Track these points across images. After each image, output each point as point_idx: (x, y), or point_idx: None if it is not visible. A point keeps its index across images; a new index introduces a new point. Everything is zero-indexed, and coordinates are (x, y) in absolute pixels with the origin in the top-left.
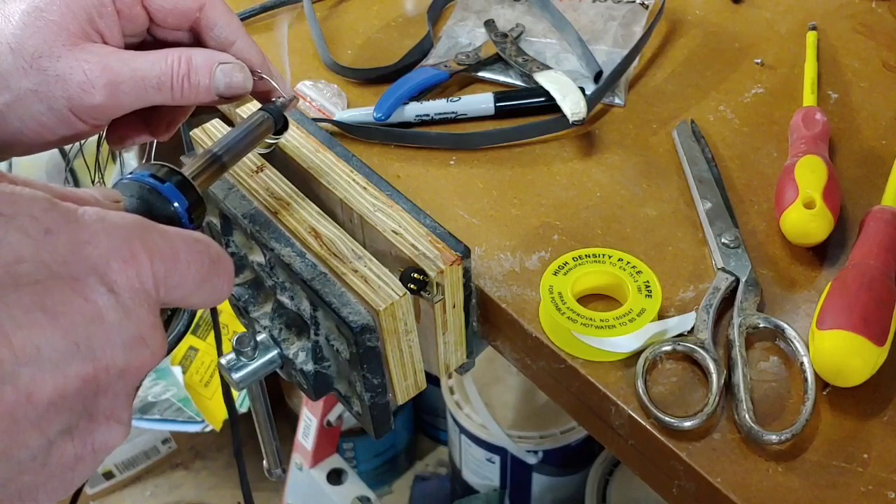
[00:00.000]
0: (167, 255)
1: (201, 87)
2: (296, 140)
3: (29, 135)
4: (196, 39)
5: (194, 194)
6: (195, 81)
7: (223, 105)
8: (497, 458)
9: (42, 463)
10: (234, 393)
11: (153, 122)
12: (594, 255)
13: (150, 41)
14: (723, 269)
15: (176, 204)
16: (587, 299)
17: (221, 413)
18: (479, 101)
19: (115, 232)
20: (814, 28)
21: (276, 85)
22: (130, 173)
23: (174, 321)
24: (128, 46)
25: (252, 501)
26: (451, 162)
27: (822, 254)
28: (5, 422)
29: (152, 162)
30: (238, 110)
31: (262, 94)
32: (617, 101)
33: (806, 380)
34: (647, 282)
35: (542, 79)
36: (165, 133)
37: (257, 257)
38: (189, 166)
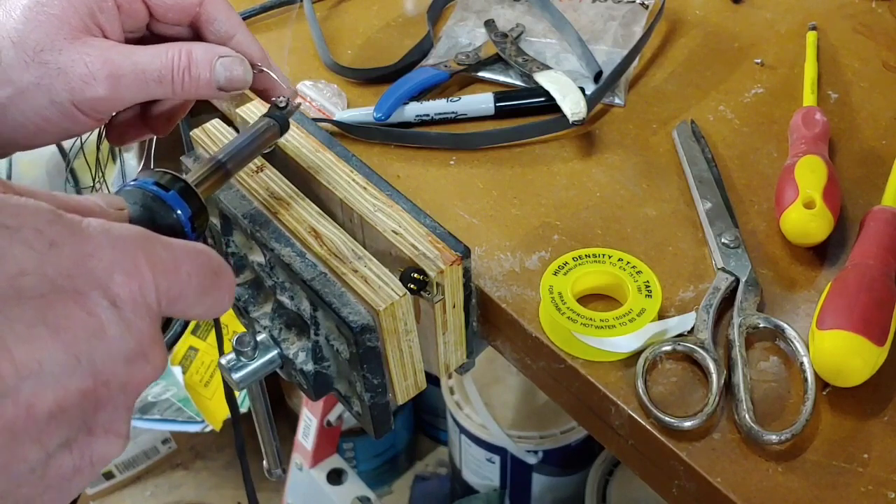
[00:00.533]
0: (170, 268)
1: (202, 80)
2: (296, 140)
3: (31, 129)
4: (196, 34)
5: (197, 202)
6: (196, 75)
7: (223, 101)
8: (497, 458)
9: (40, 475)
10: (236, 393)
11: (153, 118)
12: (594, 255)
13: (149, 37)
14: (723, 269)
15: (179, 212)
16: (587, 299)
17: (221, 413)
18: (479, 101)
19: (118, 245)
20: (814, 28)
21: (276, 78)
22: (134, 180)
23: (173, 321)
24: (128, 41)
25: (256, 501)
26: (451, 162)
27: (822, 254)
28: (5, 436)
29: (156, 169)
30: (238, 110)
31: (263, 89)
32: (617, 101)
33: (806, 380)
34: (647, 282)
35: (542, 79)
36: (165, 129)
37: (257, 257)
38: (193, 173)
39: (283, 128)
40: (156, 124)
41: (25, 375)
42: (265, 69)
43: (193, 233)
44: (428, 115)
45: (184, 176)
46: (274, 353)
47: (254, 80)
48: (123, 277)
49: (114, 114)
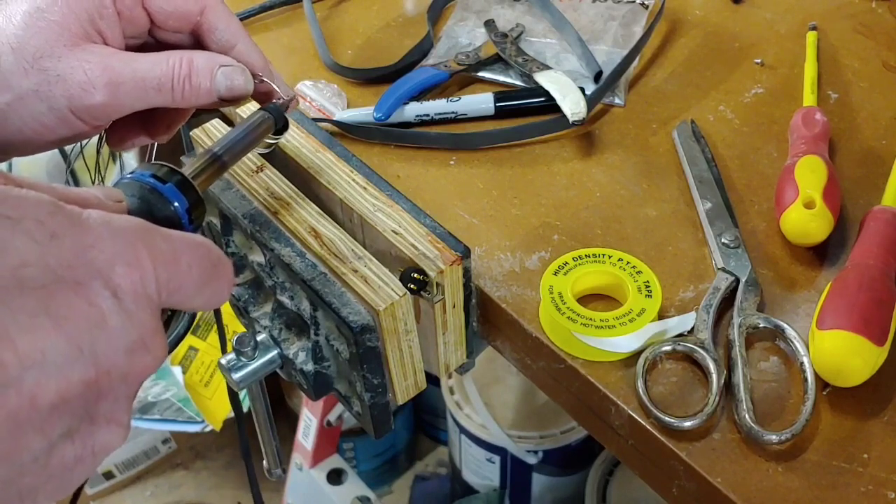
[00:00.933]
0: (169, 259)
1: (202, 89)
2: (296, 140)
3: (29, 135)
4: (197, 42)
5: (194, 194)
6: (196, 83)
7: (224, 107)
8: (497, 458)
9: (43, 465)
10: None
11: (152, 124)
12: (594, 255)
13: (151, 43)
14: (723, 269)
15: (176, 204)
16: (587, 299)
17: (221, 413)
18: (479, 101)
19: (119, 236)
20: (814, 28)
21: (277, 88)
22: (131, 173)
23: (174, 322)
24: (129, 48)
25: (262, 502)
26: (451, 162)
27: (822, 254)
28: (8, 425)
29: (153, 162)
30: (238, 111)
31: (264, 97)
32: (617, 101)
33: (806, 380)
34: (647, 282)
35: (542, 79)
36: (165, 134)
37: (257, 257)
38: (189, 166)
39: (279, 120)
40: (156, 130)
41: (28, 365)
42: (266, 79)
43: (191, 224)
44: (428, 115)
45: (181, 168)
46: (274, 353)
47: (255, 89)
48: (124, 268)
49: (113, 120)
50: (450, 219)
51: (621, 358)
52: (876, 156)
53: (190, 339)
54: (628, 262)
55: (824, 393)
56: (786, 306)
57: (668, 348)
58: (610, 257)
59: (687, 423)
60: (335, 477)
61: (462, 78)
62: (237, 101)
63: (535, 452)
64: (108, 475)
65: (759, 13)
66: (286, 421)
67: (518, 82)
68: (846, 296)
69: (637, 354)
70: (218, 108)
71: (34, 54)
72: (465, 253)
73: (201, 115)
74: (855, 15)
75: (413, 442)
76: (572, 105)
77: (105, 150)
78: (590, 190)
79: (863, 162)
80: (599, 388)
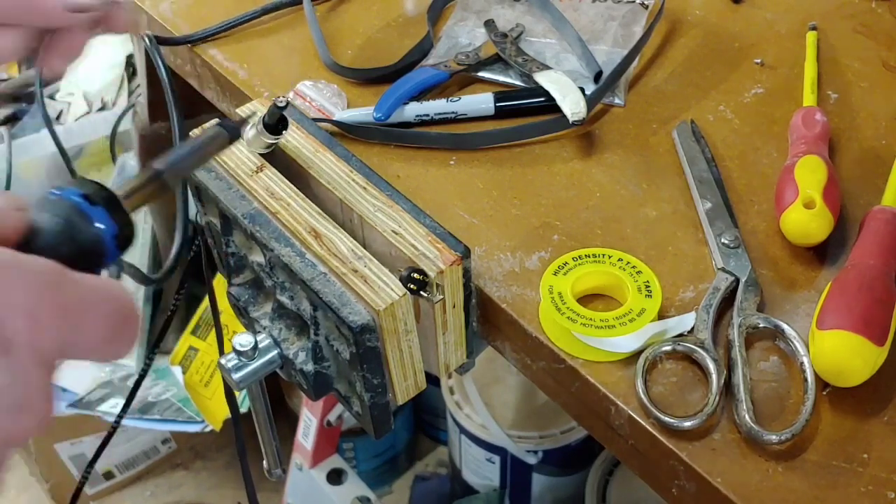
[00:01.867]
0: (75, 312)
1: (48, 4)
2: (296, 140)
3: None
4: None
5: (123, 216)
6: None
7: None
8: (497, 458)
9: None
10: (236, 393)
11: (47, 58)
12: (594, 255)
13: None
14: (723, 269)
15: (101, 226)
16: (587, 299)
17: (221, 413)
18: (479, 101)
19: (25, 282)
20: (814, 28)
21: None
22: (59, 189)
23: (165, 321)
24: None
25: (256, 501)
26: (451, 162)
27: (822, 254)
28: None
29: (83, 178)
30: (238, 110)
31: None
32: (617, 101)
33: (806, 380)
34: (647, 282)
35: (542, 79)
36: (66, 62)
37: (257, 257)
38: (125, 184)
39: (234, 137)
40: (51, 62)
41: None
42: None
43: (117, 250)
44: (428, 115)
45: (113, 187)
46: (274, 353)
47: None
48: (23, 321)
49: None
50: (450, 219)
51: (621, 358)
52: (876, 156)
53: (190, 339)
54: (628, 262)
55: (824, 393)
56: (786, 306)
57: (667, 348)
58: (610, 257)
59: (687, 423)
60: (335, 477)
61: (462, 78)
62: (90, 10)
63: (535, 452)
64: (108, 475)
65: (759, 13)
66: (286, 421)
67: (518, 82)
68: (846, 296)
69: (637, 354)
70: (74, 24)
71: None
72: (465, 253)
73: (201, 115)
74: (855, 15)
75: (413, 442)
76: (572, 105)
77: (105, 148)
78: (590, 190)
79: (863, 162)
80: (599, 388)
